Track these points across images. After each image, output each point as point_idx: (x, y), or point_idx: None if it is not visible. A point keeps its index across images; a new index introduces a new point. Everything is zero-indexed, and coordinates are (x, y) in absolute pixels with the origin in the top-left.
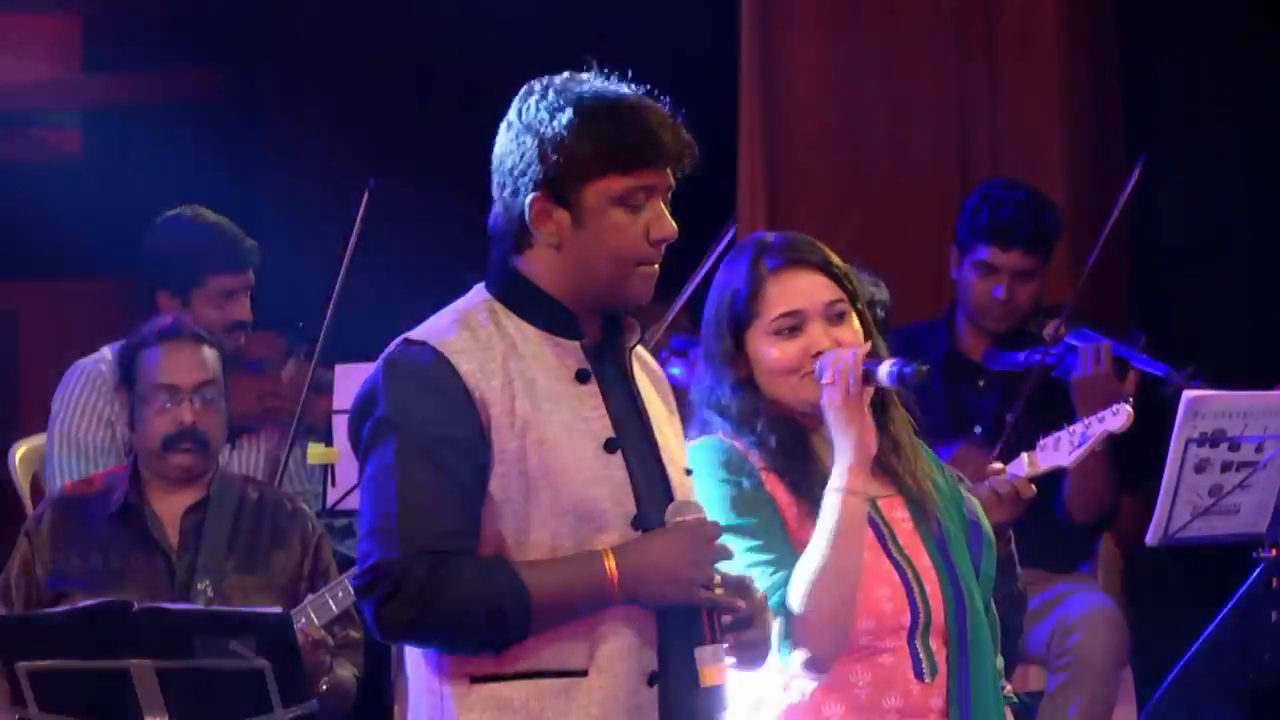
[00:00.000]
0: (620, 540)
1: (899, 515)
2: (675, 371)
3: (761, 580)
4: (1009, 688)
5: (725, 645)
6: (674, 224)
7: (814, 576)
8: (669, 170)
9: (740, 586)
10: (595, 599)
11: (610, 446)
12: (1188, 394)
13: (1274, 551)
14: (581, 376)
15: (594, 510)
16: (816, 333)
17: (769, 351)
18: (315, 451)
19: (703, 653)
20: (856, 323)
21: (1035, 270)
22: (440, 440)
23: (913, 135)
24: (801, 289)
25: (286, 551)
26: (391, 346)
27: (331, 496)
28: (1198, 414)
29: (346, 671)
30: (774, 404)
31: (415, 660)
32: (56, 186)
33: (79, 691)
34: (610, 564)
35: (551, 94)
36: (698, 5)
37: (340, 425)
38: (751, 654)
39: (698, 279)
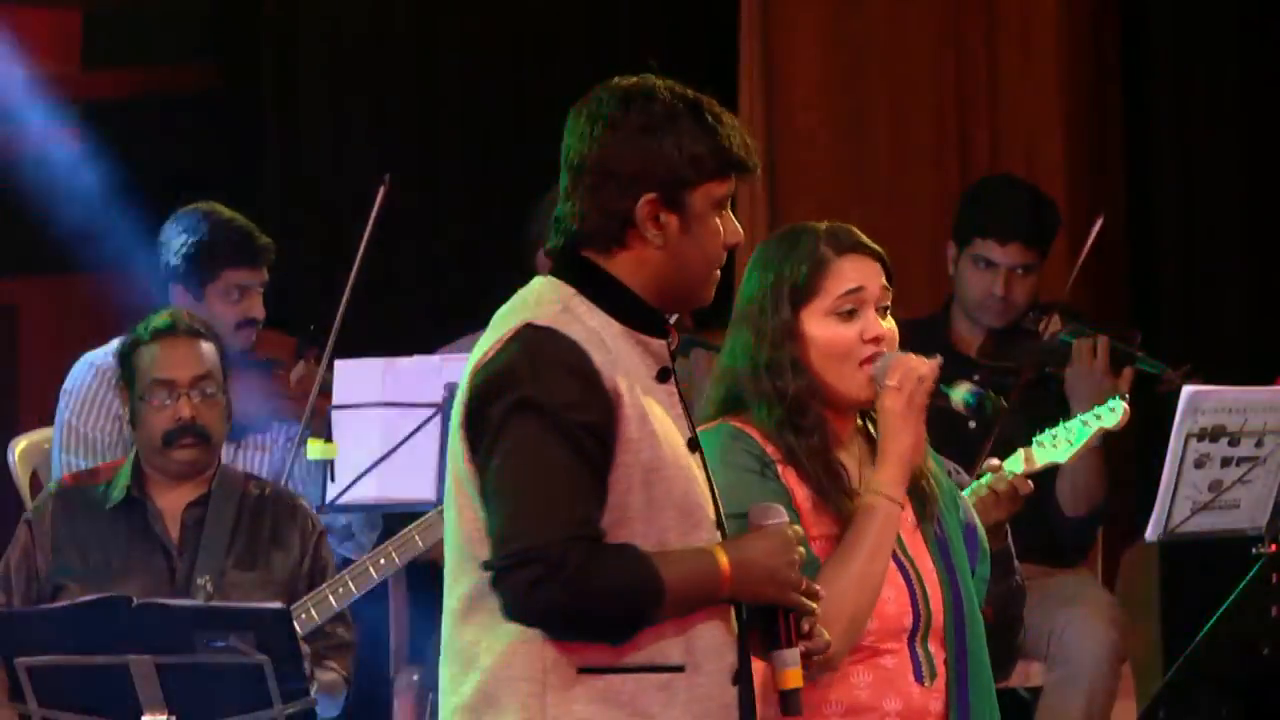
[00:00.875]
0: (710, 538)
1: (904, 514)
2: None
3: None
4: None
5: (801, 649)
6: (741, 230)
7: (841, 576)
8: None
9: (812, 594)
10: (709, 594)
11: (692, 446)
12: (1188, 389)
13: (1274, 547)
14: (663, 376)
15: (694, 506)
16: (871, 318)
17: (826, 332)
18: (315, 447)
19: (782, 656)
20: (895, 326)
21: (1032, 266)
22: (583, 426)
23: (912, 131)
24: (865, 271)
25: (286, 549)
26: (516, 330)
27: (330, 493)
28: (1197, 409)
29: (330, 675)
30: (819, 394)
31: (509, 648)
32: (57, 181)
33: (78, 686)
34: (723, 560)
35: (661, 98)
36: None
37: (340, 421)
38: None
39: None
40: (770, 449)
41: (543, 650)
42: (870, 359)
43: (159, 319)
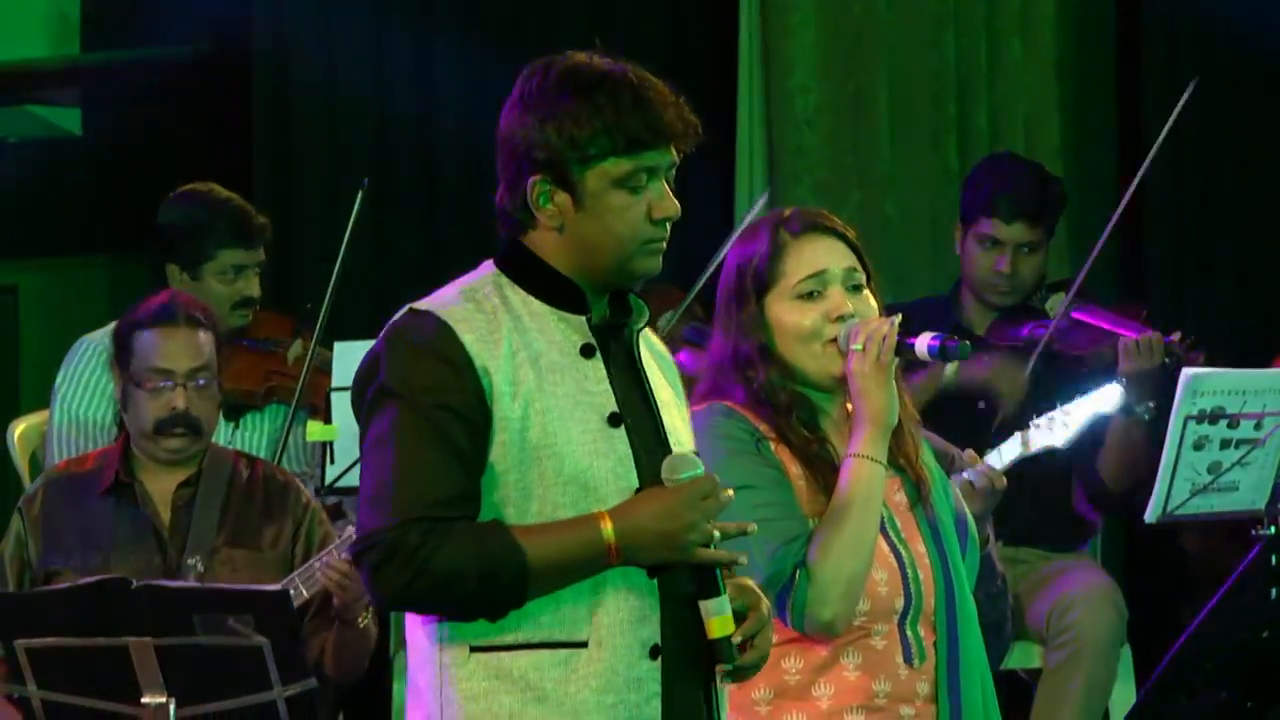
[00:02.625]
0: None
1: (897, 498)
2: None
3: (774, 538)
4: None
5: (729, 597)
6: (677, 203)
7: (833, 540)
8: (672, 149)
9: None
10: (593, 562)
11: (613, 421)
12: (1187, 371)
13: (1273, 528)
14: (586, 351)
15: (595, 481)
16: (837, 297)
17: (790, 316)
18: (314, 429)
19: (707, 606)
20: (872, 298)
21: (1038, 244)
22: (440, 408)
23: (912, 114)
24: (824, 253)
25: (277, 525)
26: (396, 316)
27: (330, 474)
28: (1197, 391)
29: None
30: (791, 374)
31: (415, 632)
32: (56, 165)
33: (78, 669)
34: (606, 526)
35: (553, 74)
36: None
37: (339, 403)
38: (756, 662)
39: (710, 270)
40: (763, 427)
41: (438, 631)
42: None
43: (159, 304)
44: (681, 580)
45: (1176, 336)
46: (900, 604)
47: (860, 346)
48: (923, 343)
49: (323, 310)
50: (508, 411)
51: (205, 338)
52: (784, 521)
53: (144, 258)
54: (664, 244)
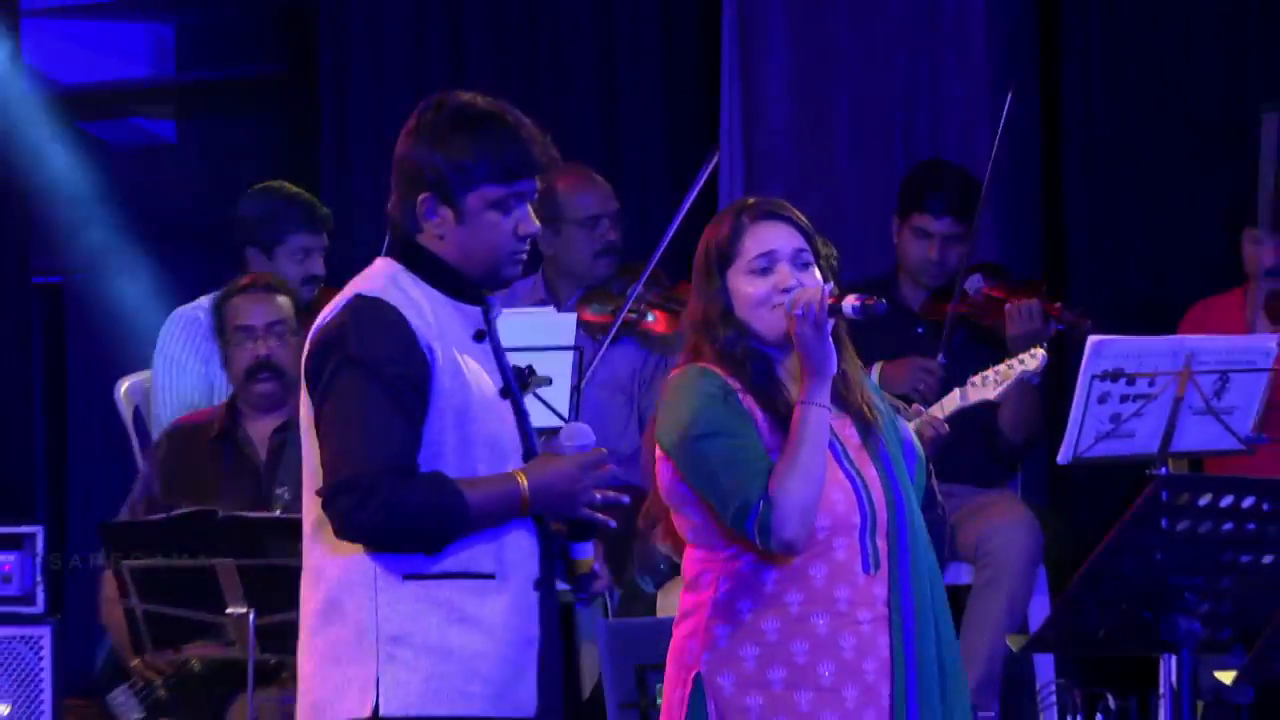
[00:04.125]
0: (517, 468)
1: (849, 434)
2: (650, 318)
3: (742, 473)
4: None
5: (594, 543)
6: (537, 223)
7: (789, 473)
8: (537, 178)
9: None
10: (510, 512)
11: (503, 394)
12: (1092, 339)
13: (1163, 469)
14: (478, 336)
15: (501, 443)
16: (785, 273)
17: (745, 287)
18: None
19: (573, 549)
20: (818, 272)
21: (962, 235)
22: (401, 378)
23: (866, 124)
24: (775, 235)
25: None
26: (347, 299)
27: None
28: (1100, 354)
29: None
30: (748, 335)
31: (348, 563)
32: (154, 168)
33: (174, 585)
34: (522, 482)
35: (446, 110)
36: (685, 12)
37: None
38: (600, 592)
39: (666, 241)
40: (733, 382)
41: (374, 563)
42: None
43: (243, 279)
44: (550, 527)
45: (1059, 305)
46: (858, 519)
47: (800, 311)
48: (848, 304)
49: None
50: (442, 383)
51: (283, 300)
52: (750, 460)
53: (228, 243)
54: (525, 255)
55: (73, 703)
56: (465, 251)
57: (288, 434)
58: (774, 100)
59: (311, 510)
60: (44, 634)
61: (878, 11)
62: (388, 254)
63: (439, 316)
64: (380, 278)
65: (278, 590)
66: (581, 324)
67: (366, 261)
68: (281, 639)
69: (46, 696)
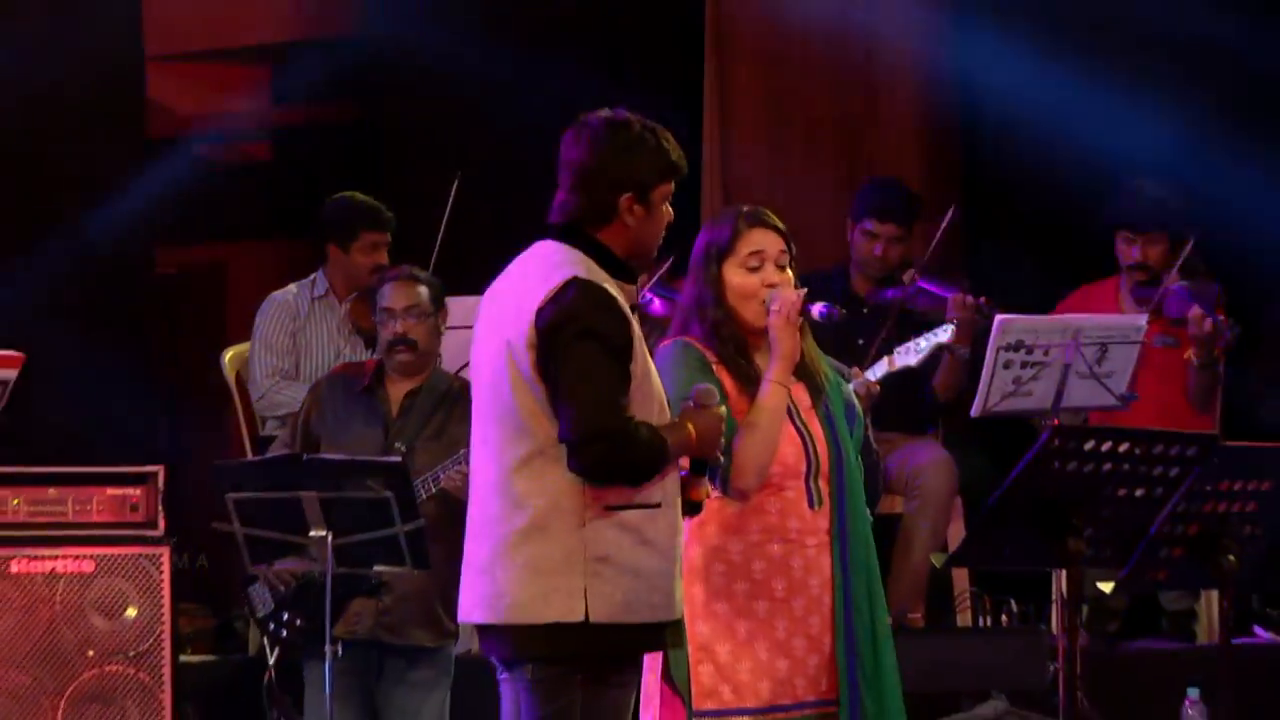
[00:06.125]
0: (668, 419)
1: (801, 397)
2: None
3: None
4: None
5: (705, 478)
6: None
7: (749, 435)
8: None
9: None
10: (685, 453)
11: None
12: (999, 317)
13: (1055, 421)
14: (634, 310)
15: (662, 401)
16: (770, 271)
17: (737, 279)
18: None
19: (698, 481)
20: (791, 273)
21: (903, 237)
22: (624, 348)
23: (819, 144)
24: (764, 240)
25: (466, 428)
26: (567, 278)
27: None
28: (1005, 331)
29: None
30: (734, 319)
31: (554, 492)
32: (251, 181)
33: (268, 513)
34: (691, 429)
35: (619, 127)
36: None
37: (449, 340)
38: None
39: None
40: (709, 355)
41: (584, 493)
42: None
43: (391, 269)
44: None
45: (983, 300)
46: (804, 467)
47: (778, 309)
48: (816, 310)
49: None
50: (638, 354)
51: (422, 289)
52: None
53: (310, 239)
54: None
55: (185, 606)
56: (644, 239)
57: (417, 397)
58: (750, 123)
59: (518, 447)
60: (163, 552)
61: None
62: (559, 240)
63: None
64: (578, 264)
65: (350, 517)
66: None
67: (414, 250)
68: (353, 556)
69: (165, 601)
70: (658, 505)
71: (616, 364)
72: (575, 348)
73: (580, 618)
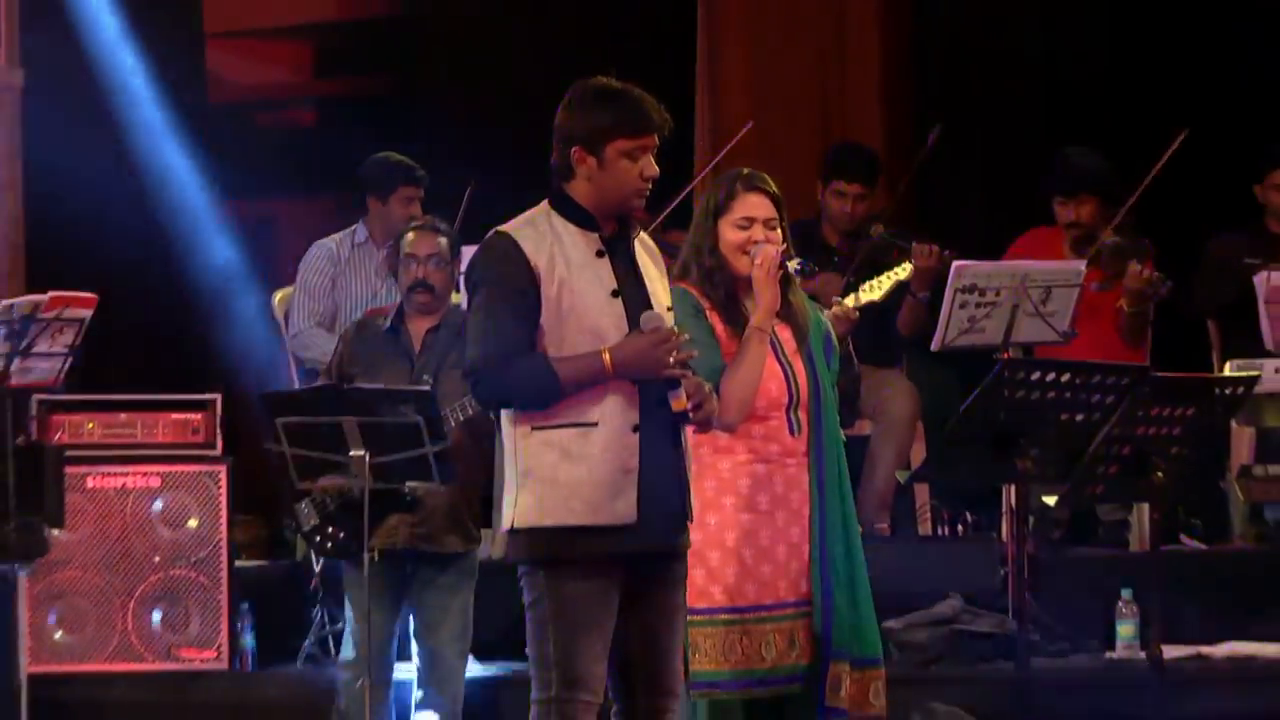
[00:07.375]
0: None
1: (785, 336)
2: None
3: (703, 369)
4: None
5: (682, 389)
6: (657, 168)
7: (733, 374)
8: (655, 135)
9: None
10: (597, 377)
11: (614, 295)
12: (956, 263)
13: (1005, 355)
14: (599, 254)
15: (603, 334)
16: (758, 230)
17: (730, 235)
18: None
19: (674, 393)
20: (779, 232)
21: (867, 194)
22: (511, 291)
23: (798, 116)
24: (756, 204)
25: None
26: (488, 235)
27: None
28: (961, 275)
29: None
30: (725, 267)
31: (507, 419)
32: (299, 144)
33: (312, 436)
34: (606, 356)
35: (589, 88)
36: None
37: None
38: (704, 419)
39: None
40: (703, 301)
41: (514, 418)
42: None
43: (418, 220)
44: (656, 387)
45: (938, 247)
46: (785, 399)
47: (759, 263)
48: (793, 264)
49: (456, 223)
50: (549, 291)
51: (442, 239)
52: (708, 360)
53: (353, 192)
54: (648, 192)
55: (242, 518)
56: (605, 192)
57: (437, 333)
58: (738, 95)
59: None
60: (221, 470)
61: None
62: (548, 196)
63: (566, 242)
64: (526, 215)
65: (385, 439)
66: None
67: (446, 205)
68: (387, 473)
69: (223, 514)
70: (594, 424)
71: (507, 304)
72: (474, 296)
73: (511, 525)
